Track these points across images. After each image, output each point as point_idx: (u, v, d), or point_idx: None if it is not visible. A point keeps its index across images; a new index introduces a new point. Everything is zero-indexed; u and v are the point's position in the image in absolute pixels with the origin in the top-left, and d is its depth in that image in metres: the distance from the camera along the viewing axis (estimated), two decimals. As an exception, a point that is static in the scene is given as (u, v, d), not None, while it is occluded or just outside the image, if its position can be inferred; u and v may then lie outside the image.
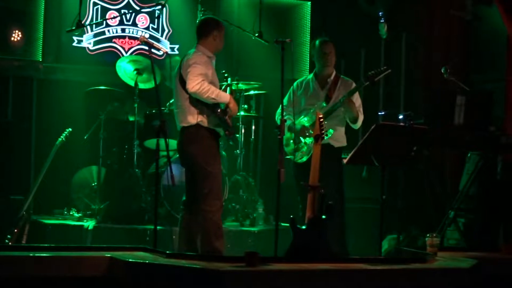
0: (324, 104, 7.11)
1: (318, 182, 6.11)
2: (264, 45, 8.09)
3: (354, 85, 7.27)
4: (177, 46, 9.66)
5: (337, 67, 7.47)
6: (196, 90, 6.43)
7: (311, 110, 7.05)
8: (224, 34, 6.85)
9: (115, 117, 8.69)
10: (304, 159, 7.00)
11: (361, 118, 7.15)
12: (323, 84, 7.27)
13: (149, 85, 8.45)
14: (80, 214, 8.50)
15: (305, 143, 7.04)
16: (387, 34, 8.58)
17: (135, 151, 8.37)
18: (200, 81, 6.43)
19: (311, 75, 7.40)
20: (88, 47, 9.38)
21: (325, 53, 7.24)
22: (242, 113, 8.64)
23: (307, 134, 7.02)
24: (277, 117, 7.18)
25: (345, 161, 6.58)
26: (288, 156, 7.13)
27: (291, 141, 7.09)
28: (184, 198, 6.79)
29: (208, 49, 6.72)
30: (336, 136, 7.06)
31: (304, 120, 7.10)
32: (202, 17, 7.23)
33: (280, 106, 6.61)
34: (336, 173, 7.12)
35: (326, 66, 7.25)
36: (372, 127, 6.15)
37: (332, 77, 7.28)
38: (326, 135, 6.36)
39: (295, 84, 7.31)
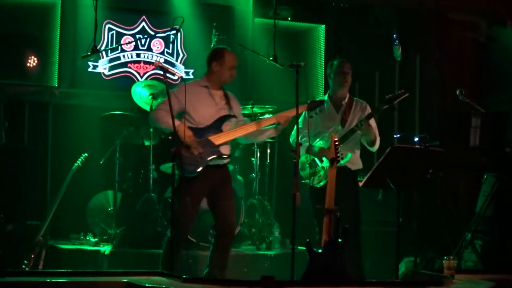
0: (340, 127, 7.10)
1: (334, 205, 6.10)
2: (279, 69, 8.11)
3: (368, 107, 7.27)
4: (192, 71, 9.69)
5: (352, 90, 7.45)
6: (149, 119, 6.59)
7: (326, 134, 7.02)
8: (233, 65, 6.64)
9: (131, 142, 8.69)
10: (322, 183, 6.92)
11: (378, 140, 7.13)
12: (338, 106, 7.25)
13: (164, 109, 8.46)
14: (96, 239, 8.51)
15: (322, 167, 6.99)
16: (401, 56, 8.57)
17: (151, 175, 8.38)
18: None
19: (325, 97, 7.37)
20: (103, 72, 9.43)
21: (344, 72, 7.20)
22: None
23: (324, 158, 6.99)
24: (292, 140, 7.17)
25: (361, 184, 6.57)
26: (304, 180, 7.10)
27: (307, 165, 7.07)
28: None
29: (207, 78, 6.69)
30: (352, 159, 7.04)
31: (320, 144, 7.06)
32: (213, 46, 7.16)
33: (295, 128, 6.60)
34: (353, 196, 7.09)
35: (343, 85, 7.20)
36: (388, 149, 6.15)
37: (346, 100, 7.26)
38: (343, 158, 6.35)
39: (310, 106, 7.28)
